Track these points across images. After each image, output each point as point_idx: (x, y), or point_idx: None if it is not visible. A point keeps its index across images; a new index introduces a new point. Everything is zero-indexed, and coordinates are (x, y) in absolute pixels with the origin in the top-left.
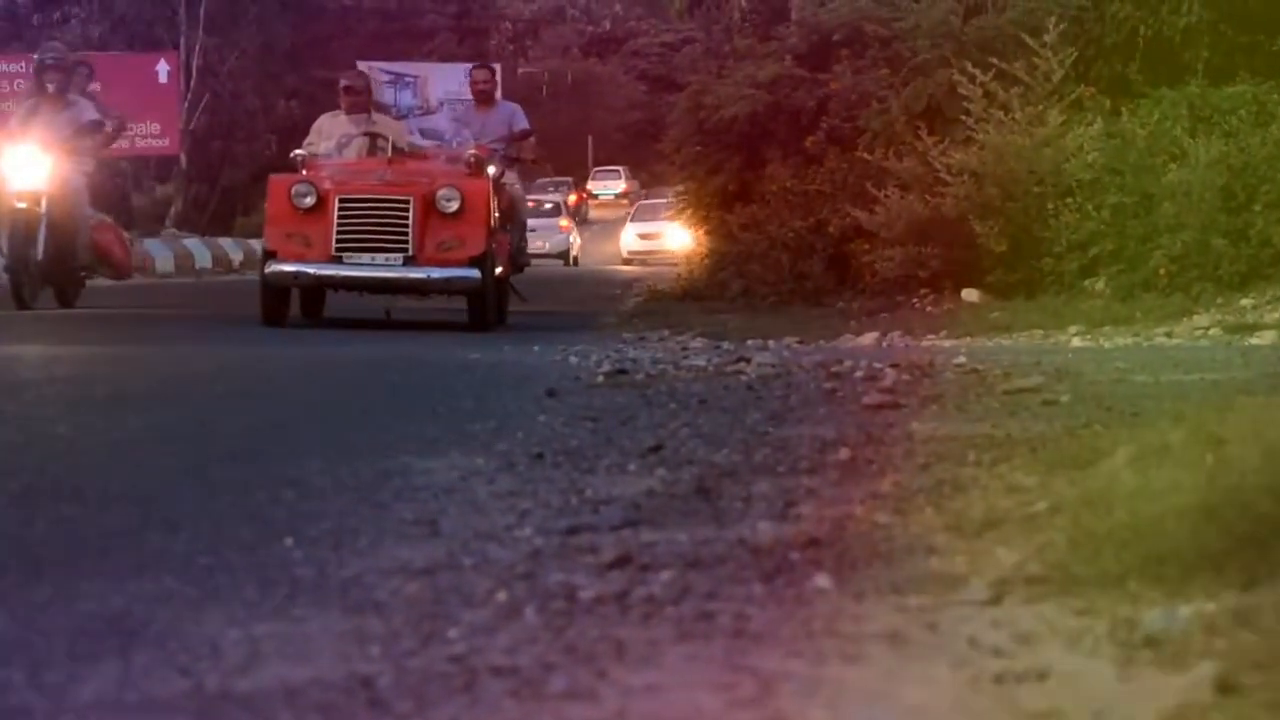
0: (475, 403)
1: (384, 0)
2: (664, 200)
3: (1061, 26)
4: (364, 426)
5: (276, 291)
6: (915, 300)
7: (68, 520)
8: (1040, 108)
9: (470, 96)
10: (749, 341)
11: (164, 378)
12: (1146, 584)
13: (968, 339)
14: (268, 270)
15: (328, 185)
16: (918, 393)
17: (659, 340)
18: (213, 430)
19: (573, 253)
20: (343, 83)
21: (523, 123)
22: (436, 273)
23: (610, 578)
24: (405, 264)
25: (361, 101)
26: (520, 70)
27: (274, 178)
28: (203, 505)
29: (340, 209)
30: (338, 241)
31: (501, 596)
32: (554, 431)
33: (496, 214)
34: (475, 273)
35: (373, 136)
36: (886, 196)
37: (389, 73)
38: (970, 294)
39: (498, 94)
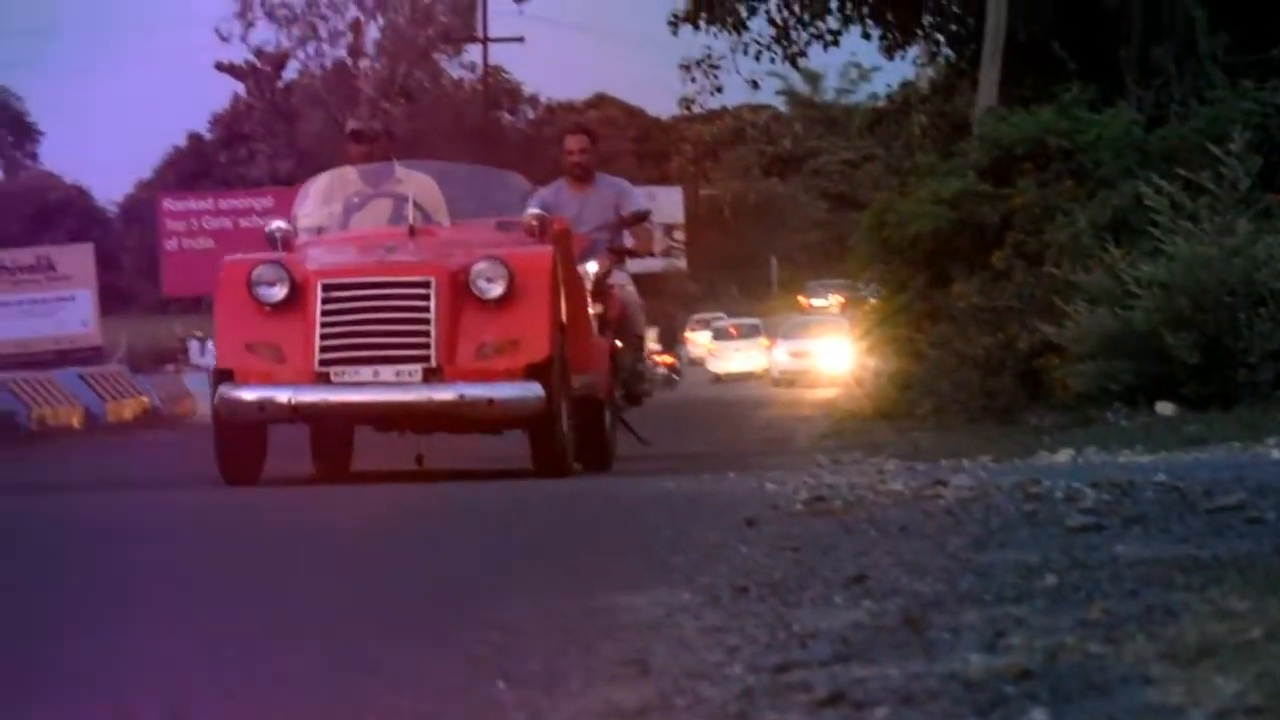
0: (675, 534)
1: (563, 126)
2: (814, 318)
3: (1247, 135)
4: (565, 563)
5: (236, 430)
6: (1108, 414)
7: (240, 661)
8: (1228, 217)
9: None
10: (943, 462)
11: (342, 523)
12: None
13: (1164, 453)
14: (219, 398)
15: (308, 267)
16: (1119, 513)
17: (853, 463)
18: (410, 570)
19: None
20: (350, 125)
21: (634, 203)
22: (474, 390)
23: (824, 716)
24: (426, 380)
25: (378, 150)
26: (702, 192)
27: (228, 261)
28: (407, 647)
29: (325, 301)
30: (323, 350)
31: None
32: (756, 563)
33: (595, 311)
34: (535, 388)
35: (395, 198)
36: (1075, 311)
37: None
38: (1164, 407)
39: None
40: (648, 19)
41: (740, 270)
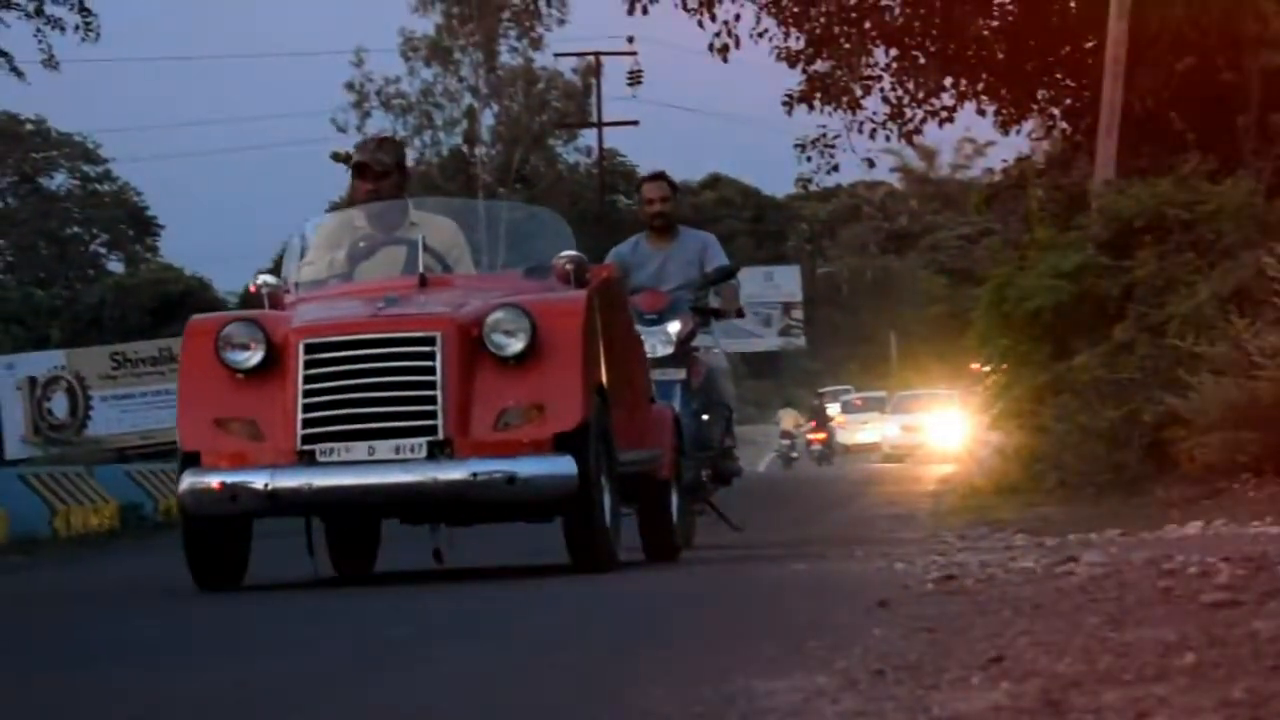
0: (808, 617)
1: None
2: (924, 391)
3: None
4: (700, 648)
5: (207, 526)
6: (1236, 485)
7: None
8: None
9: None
10: (1071, 536)
11: (468, 612)
12: None
13: None
14: (184, 487)
15: (290, 325)
16: (1255, 588)
17: (979, 539)
18: (534, 663)
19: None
20: (355, 157)
21: (719, 258)
22: (490, 466)
23: None
24: (432, 456)
25: (387, 188)
26: (819, 270)
27: (193, 321)
28: None
29: (308, 365)
30: (306, 424)
31: None
32: (892, 645)
33: (677, 378)
34: (565, 463)
35: (409, 244)
36: (1200, 382)
37: None
38: None
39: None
40: (761, 99)
41: (859, 346)
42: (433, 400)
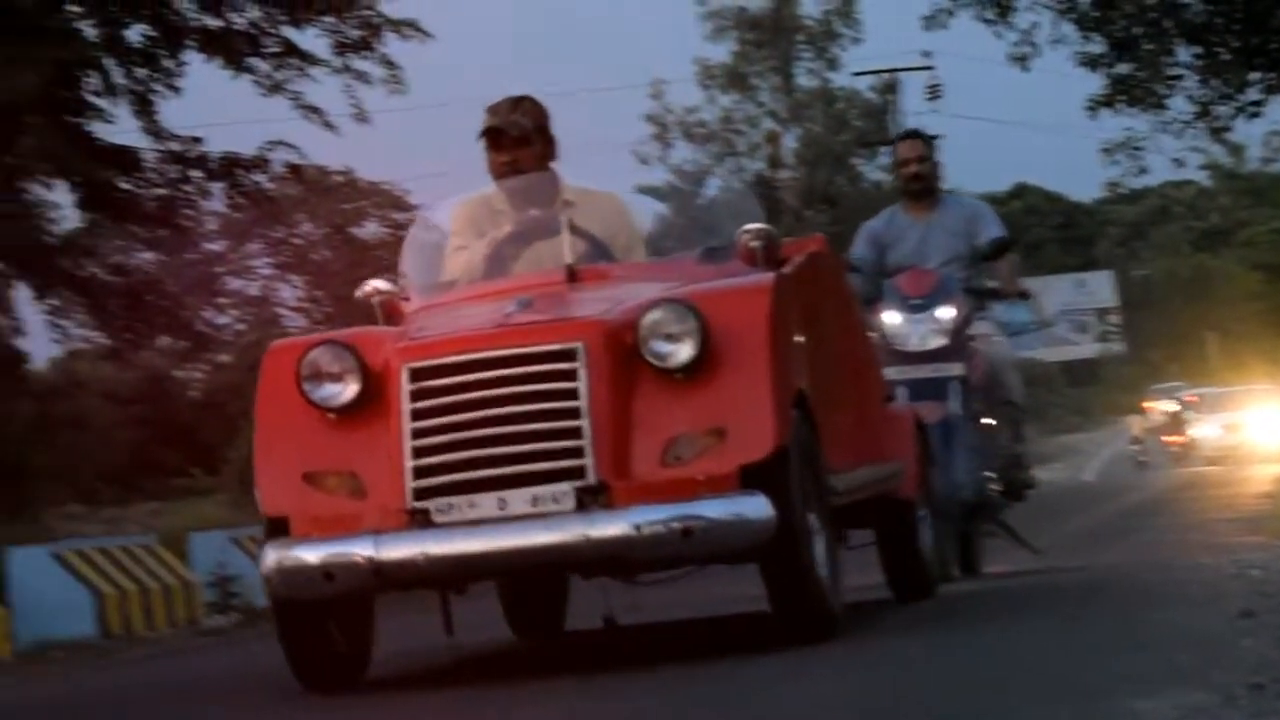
0: (1171, 629)
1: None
2: (1243, 387)
3: None
4: (1064, 664)
5: (301, 611)
6: None
7: None
8: None
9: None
10: None
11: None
12: None
13: None
14: (269, 564)
15: (392, 346)
16: None
17: None
18: (899, 692)
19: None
20: (485, 122)
21: (993, 228)
22: (658, 515)
23: None
24: (583, 506)
25: (527, 158)
26: (1132, 273)
27: (272, 348)
28: None
29: (415, 396)
30: (418, 473)
31: None
32: (1264, 656)
33: (954, 374)
34: (757, 503)
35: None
36: None
37: None
38: None
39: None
40: (1064, 105)
41: (1177, 347)
42: (578, 433)
